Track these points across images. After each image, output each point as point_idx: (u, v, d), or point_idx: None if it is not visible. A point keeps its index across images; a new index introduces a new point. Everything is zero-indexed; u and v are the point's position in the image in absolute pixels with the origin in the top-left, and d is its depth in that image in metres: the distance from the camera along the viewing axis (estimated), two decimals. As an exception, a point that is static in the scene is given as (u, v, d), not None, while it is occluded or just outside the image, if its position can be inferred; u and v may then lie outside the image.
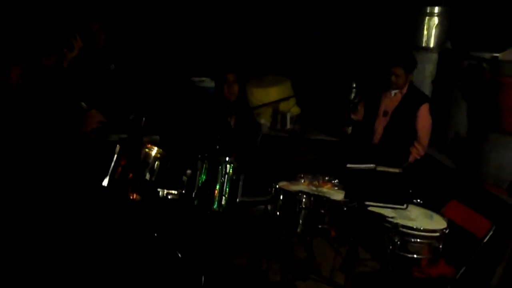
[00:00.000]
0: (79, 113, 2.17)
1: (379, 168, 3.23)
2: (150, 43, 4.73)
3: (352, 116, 3.63)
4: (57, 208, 2.50)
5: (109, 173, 2.29)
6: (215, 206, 2.40)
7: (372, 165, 3.17)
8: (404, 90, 3.51)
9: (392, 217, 2.19)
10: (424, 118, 3.48)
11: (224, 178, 2.44)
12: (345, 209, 2.26)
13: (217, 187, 2.42)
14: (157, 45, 4.79)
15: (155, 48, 4.72)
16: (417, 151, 3.48)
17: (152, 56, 4.42)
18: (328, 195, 2.36)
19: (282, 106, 4.61)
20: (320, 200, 2.27)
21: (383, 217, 2.16)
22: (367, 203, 2.15)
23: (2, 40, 1.97)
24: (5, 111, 1.98)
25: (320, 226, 2.26)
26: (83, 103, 2.21)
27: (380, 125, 3.54)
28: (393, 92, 3.52)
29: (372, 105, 3.58)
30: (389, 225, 2.15)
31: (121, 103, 3.29)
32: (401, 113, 3.50)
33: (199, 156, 2.45)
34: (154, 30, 4.85)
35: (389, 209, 2.21)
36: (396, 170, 3.21)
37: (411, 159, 3.48)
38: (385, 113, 3.54)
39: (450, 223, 2.31)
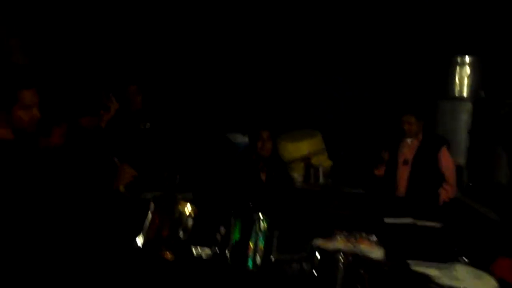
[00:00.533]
0: (113, 169, 2.21)
1: (419, 223, 3.13)
2: (184, 100, 4.88)
3: (376, 172, 3.68)
4: (91, 264, 2.50)
5: (142, 231, 2.29)
6: (250, 264, 2.35)
7: (409, 219, 3.09)
8: (420, 137, 3.55)
9: (438, 277, 2.06)
10: (447, 159, 3.52)
11: (258, 235, 2.40)
12: (386, 268, 2.15)
13: (251, 244, 2.38)
14: (191, 103, 4.94)
15: (189, 105, 4.87)
16: (446, 193, 3.50)
17: (186, 113, 4.54)
18: (367, 254, 2.26)
19: (314, 160, 4.58)
20: (359, 259, 2.17)
21: (428, 278, 2.03)
22: (409, 261, 2.04)
23: (45, 103, 2.08)
24: (44, 171, 2.04)
25: (359, 287, 2.15)
26: (116, 159, 2.26)
27: (403, 175, 3.56)
28: (409, 140, 3.55)
29: (391, 156, 3.61)
30: (435, 286, 2.02)
31: (155, 161, 3.36)
32: (421, 160, 3.52)
33: (233, 212, 2.43)
34: (187, 88, 5.02)
35: (433, 268, 2.08)
36: (436, 224, 3.10)
37: (441, 201, 3.49)
38: (405, 162, 3.57)
39: (501, 283, 2.15)
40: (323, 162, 4.65)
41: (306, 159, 4.48)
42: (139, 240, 2.26)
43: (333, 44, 5.12)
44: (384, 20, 4.96)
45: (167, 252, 2.24)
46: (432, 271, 2.11)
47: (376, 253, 2.27)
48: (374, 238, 2.40)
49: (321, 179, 4.50)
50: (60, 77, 4.03)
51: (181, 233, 2.29)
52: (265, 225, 2.42)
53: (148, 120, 3.44)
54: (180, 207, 2.33)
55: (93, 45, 4.82)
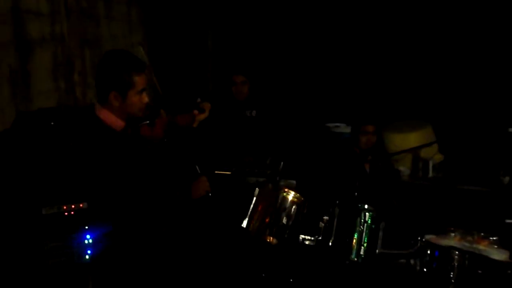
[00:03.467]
0: (193, 177, 2.20)
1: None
2: (289, 89, 4.90)
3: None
4: (192, 246, 2.61)
5: (248, 215, 2.35)
6: (353, 255, 2.29)
7: (536, 222, 2.75)
8: None
9: None
10: None
11: (363, 227, 2.33)
12: (509, 271, 1.94)
13: (355, 235, 2.31)
14: (295, 91, 4.94)
15: (293, 94, 4.87)
16: None
17: (291, 102, 4.55)
18: (486, 254, 2.06)
19: (423, 153, 4.29)
20: (477, 259, 1.99)
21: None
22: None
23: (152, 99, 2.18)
24: (143, 164, 2.10)
25: (477, 289, 1.97)
26: (197, 167, 2.24)
27: None
28: None
29: None
30: None
31: (260, 148, 3.42)
32: None
33: (337, 202, 2.38)
34: (294, 76, 5.03)
35: None
36: None
37: None
38: None
39: None
40: (433, 155, 4.33)
41: (414, 152, 4.21)
42: (244, 224, 2.32)
43: (447, 27, 4.74)
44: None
45: (271, 237, 2.27)
46: None
47: (498, 254, 2.05)
48: (495, 238, 2.18)
49: (430, 173, 4.20)
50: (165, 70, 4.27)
51: (284, 219, 2.30)
52: (370, 217, 2.34)
53: (254, 108, 3.51)
54: (283, 193, 2.35)
55: (200, 35, 5.05)
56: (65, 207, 2.95)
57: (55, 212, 2.93)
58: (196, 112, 2.84)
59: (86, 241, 2.96)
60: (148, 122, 2.23)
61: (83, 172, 2.05)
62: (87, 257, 2.95)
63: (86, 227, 2.98)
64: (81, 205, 3.01)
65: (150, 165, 2.17)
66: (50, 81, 3.63)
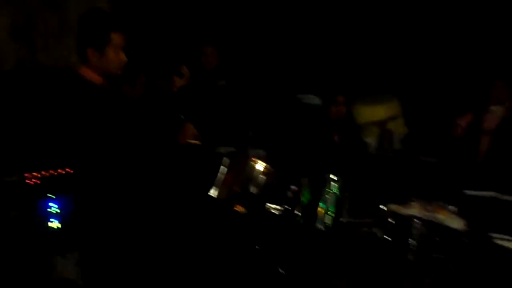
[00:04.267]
0: (179, 124, 2.29)
1: (502, 197, 2.92)
2: (260, 59, 4.86)
3: (454, 139, 3.42)
4: (159, 213, 2.63)
5: (216, 184, 2.36)
6: (319, 224, 2.35)
7: (492, 193, 2.89)
8: (507, 105, 3.25)
9: (523, 253, 1.92)
10: None
11: (329, 196, 2.38)
12: (464, 239, 2.04)
13: (322, 205, 2.37)
14: (265, 62, 4.91)
15: (263, 64, 4.84)
16: None
17: (261, 72, 4.53)
18: (444, 222, 2.16)
19: (390, 125, 4.39)
20: (435, 227, 2.08)
21: (512, 252, 1.90)
22: (492, 235, 1.92)
23: (129, 62, 2.19)
24: (122, 116, 2.14)
25: (435, 256, 2.07)
26: (182, 116, 2.33)
27: (484, 144, 3.31)
28: (494, 107, 3.28)
29: (474, 123, 3.31)
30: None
31: (230, 117, 3.41)
32: (505, 130, 3.22)
33: (305, 172, 2.42)
34: (263, 47, 4.98)
35: (519, 244, 1.95)
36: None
37: None
38: (487, 131, 3.30)
39: None
40: (399, 128, 4.44)
41: (381, 124, 4.30)
42: (213, 192, 2.33)
43: (416, 6, 4.77)
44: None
45: (239, 206, 2.29)
46: (518, 247, 1.97)
47: (456, 223, 2.16)
48: (453, 208, 2.28)
49: (395, 146, 4.32)
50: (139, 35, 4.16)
51: (252, 189, 2.33)
52: (337, 187, 2.40)
53: (224, 78, 3.48)
54: (252, 163, 2.37)
55: (170, 5, 4.90)
56: (27, 175, 2.88)
57: (17, 180, 2.86)
58: (175, 77, 2.97)
59: (50, 210, 2.91)
60: (126, 82, 2.38)
61: (64, 133, 2.06)
62: (52, 225, 2.91)
63: (52, 195, 2.93)
64: (46, 173, 2.94)
65: (133, 118, 2.21)
66: (10, 43, 3.47)
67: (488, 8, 4.52)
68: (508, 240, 1.92)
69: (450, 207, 2.33)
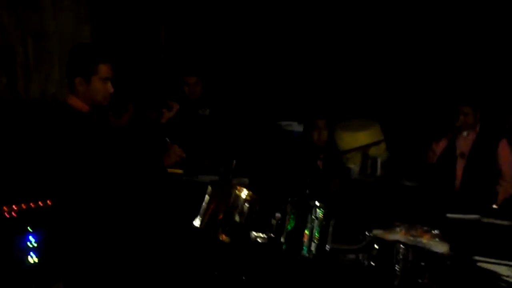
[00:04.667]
0: (164, 148, 2.35)
1: (485, 220, 2.96)
2: (241, 88, 4.91)
3: (429, 164, 3.52)
4: (145, 243, 2.59)
5: (200, 214, 2.33)
6: (305, 251, 2.33)
7: (476, 216, 2.93)
8: (477, 129, 3.37)
9: (507, 276, 1.93)
10: (505, 154, 3.32)
11: (314, 223, 2.37)
12: (448, 263, 2.05)
13: (307, 232, 2.36)
14: (248, 90, 4.96)
15: (246, 93, 4.89)
16: (504, 190, 3.30)
17: (243, 101, 4.57)
18: (428, 247, 2.16)
19: (372, 151, 4.44)
20: (420, 252, 2.08)
21: (497, 276, 1.91)
22: (476, 258, 1.93)
23: (119, 94, 2.27)
24: (112, 145, 2.18)
25: (420, 281, 2.06)
26: (167, 139, 2.38)
27: (459, 168, 3.41)
28: (465, 132, 3.39)
29: (448, 148, 3.44)
30: (504, 285, 1.90)
31: (213, 146, 3.41)
32: (478, 154, 3.33)
33: (289, 199, 2.42)
34: (244, 76, 5.04)
35: (503, 267, 1.96)
36: (505, 223, 2.91)
37: (500, 199, 3.28)
38: (462, 155, 3.41)
39: None
40: (382, 153, 4.49)
41: (363, 150, 4.35)
42: (196, 222, 2.31)
43: (394, 33, 4.92)
44: (449, 13, 4.69)
45: (223, 235, 2.27)
46: (502, 270, 1.98)
47: (440, 247, 2.16)
48: (437, 232, 2.29)
49: (378, 171, 4.36)
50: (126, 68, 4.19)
51: (237, 217, 2.31)
52: (321, 213, 2.39)
53: (207, 107, 3.50)
54: (236, 191, 2.35)
55: (155, 37, 4.96)
56: (5, 208, 2.80)
57: (-6, 213, 2.78)
58: (164, 110, 3.09)
59: (29, 244, 2.83)
60: (113, 113, 2.52)
61: (49, 161, 2.11)
62: (31, 260, 2.82)
63: (30, 229, 2.85)
64: (24, 206, 2.87)
65: (118, 146, 2.25)
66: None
67: (455, 39, 4.70)
68: (492, 262, 1.93)
69: (434, 231, 2.34)
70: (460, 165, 3.42)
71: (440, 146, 3.54)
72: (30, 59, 3.70)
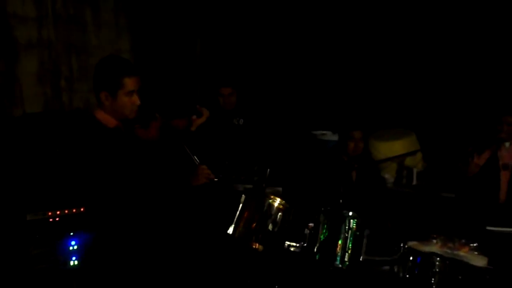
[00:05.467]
0: (192, 167, 2.30)
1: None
2: (276, 97, 4.94)
3: (467, 174, 3.39)
4: (178, 252, 2.63)
5: (234, 222, 2.36)
6: (338, 262, 2.31)
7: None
8: None
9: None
10: None
11: (347, 234, 2.35)
12: (487, 277, 1.99)
13: (340, 242, 2.34)
14: (282, 99, 4.98)
15: (280, 101, 4.91)
16: None
17: (277, 110, 4.59)
18: (466, 260, 2.11)
19: (408, 161, 4.37)
20: (457, 265, 2.03)
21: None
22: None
23: (146, 97, 2.24)
24: (137, 160, 2.17)
25: (457, 295, 2.01)
26: (195, 158, 2.33)
27: (504, 180, 3.29)
28: (507, 143, 3.28)
29: (491, 159, 3.31)
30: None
31: (247, 155, 3.45)
32: None
33: (322, 209, 2.41)
34: (280, 85, 5.08)
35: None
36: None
37: None
38: (505, 167, 3.29)
39: None
40: (417, 163, 4.41)
41: (398, 160, 4.29)
42: (230, 230, 2.33)
43: (431, 40, 4.83)
44: (489, 10, 4.55)
45: (257, 243, 2.28)
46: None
47: (478, 260, 2.10)
48: (475, 245, 2.23)
49: (414, 181, 4.27)
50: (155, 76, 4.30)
51: (270, 226, 2.32)
52: (355, 224, 2.37)
53: (242, 116, 3.54)
54: (270, 200, 2.37)
55: (191, 50, 5.08)
56: (50, 213, 2.93)
57: (40, 218, 2.91)
58: (194, 117, 2.96)
59: (71, 248, 2.95)
60: (140, 124, 2.37)
61: (78, 174, 2.11)
62: (72, 263, 2.94)
63: (71, 233, 2.97)
64: (67, 211, 3.00)
65: (145, 161, 2.24)
66: (37, 86, 3.62)
67: (499, 44, 4.56)
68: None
69: (472, 244, 2.28)
70: (504, 177, 3.31)
71: (482, 158, 3.42)
72: (74, 72, 3.89)
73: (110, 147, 2.06)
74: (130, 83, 2.09)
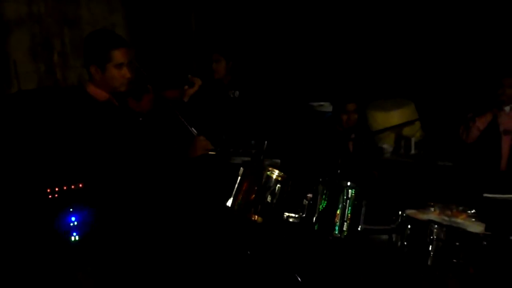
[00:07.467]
0: (190, 139, 2.28)
1: (524, 199, 2.86)
2: (272, 69, 4.89)
3: (464, 138, 3.35)
4: (178, 225, 2.65)
5: (232, 194, 2.37)
6: (336, 231, 2.33)
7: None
8: None
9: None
10: None
11: (346, 203, 2.37)
12: (485, 243, 2.01)
13: (338, 212, 2.36)
14: (278, 71, 4.93)
15: (276, 73, 4.87)
16: None
17: (273, 82, 4.55)
18: (464, 227, 2.13)
19: (406, 130, 4.36)
20: (455, 232, 2.05)
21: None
22: (513, 238, 1.89)
23: (137, 69, 2.21)
24: (130, 133, 2.18)
25: (455, 261, 2.04)
26: (193, 129, 2.32)
27: (505, 146, 3.25)
28: (507, 107, 3.21)
29: (490, 125, 3.26)
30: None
31: (244, 128, 3.43)
32: None
33: (320, 180, 2.42)
34: (275, 56, 5.02)
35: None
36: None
37: None
38: (505, 132, 3.24)
39: None
40: (416, 132, 4.40)
41: (396, 130, 4.27)
42: (229, 203, 2.35)
43: (427, 7, 4.75)
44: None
45: (256, 215, 2.30)
46: (540, 250, 1.93)
47: (475, 227, 2.12)
48: (472, 212, 2.25)
49: (412, 150, 4.28)
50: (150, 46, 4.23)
51: (268, 198, 2.34)
52: (353, 194, 2.38)
53: (237, 89, 3.50)
54: (268, 172, 2.38)
55: (185, 24, 4.98)
56: (48, 190, 2.94)
57: (39, 194, 2.92)
58: (186, 87, 2.91)
59: (71, 224, 2.97)
60: (132, 96, 2.33)
61: (72, 150, 2.11)
62: (73, 239, 2.96)
63: (71, 209, 2.99)
64: (65, 187, 3.00)
65: (139, 134, 2.23)
66: (29, 62, 3.57)
67: (496, 11, 4.47)
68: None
69: (469, 211, 2.30)
70: (505, 143, 3.26)
71: (483, 121, 3.30)
72: (67, 46, 3.82)
73: (101, 121, 2.05)
74: (118, 55, 2.07)
